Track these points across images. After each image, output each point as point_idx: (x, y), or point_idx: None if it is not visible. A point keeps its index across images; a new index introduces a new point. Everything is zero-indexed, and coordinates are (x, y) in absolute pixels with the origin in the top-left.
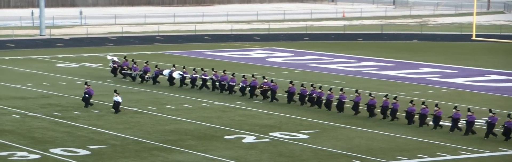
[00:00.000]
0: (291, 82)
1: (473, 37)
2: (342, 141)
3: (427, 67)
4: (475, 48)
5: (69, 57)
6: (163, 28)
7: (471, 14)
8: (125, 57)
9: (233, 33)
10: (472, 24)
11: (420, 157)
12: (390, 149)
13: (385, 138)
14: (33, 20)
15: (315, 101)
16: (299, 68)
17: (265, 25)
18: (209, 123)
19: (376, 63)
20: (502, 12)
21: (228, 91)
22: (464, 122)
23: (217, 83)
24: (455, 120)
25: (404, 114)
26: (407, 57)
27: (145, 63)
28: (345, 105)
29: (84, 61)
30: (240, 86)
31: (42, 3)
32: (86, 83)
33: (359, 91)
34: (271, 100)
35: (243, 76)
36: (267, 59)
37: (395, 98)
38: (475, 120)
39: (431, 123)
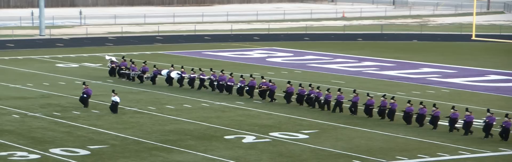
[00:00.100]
0: (289, 82)
1: (473, 37)
2: (342, 141)
3: (427, 67)
4: (475, 48)
5: (69, 57)
6: (163, 28)
7: (471, 14)
8: (123, 57)
9: (233, 33)
10: (472, 24)
11: (420, 157)
12: (390, 149)
13: (385, 138)
14: (33, 20)
15: (313, 101)
16: (299, 68)
17: (265, 25)
18: (209, 123)
19: (376, 63)
20: (502, 12)
21: (227, 91)
22: (462, 122)
23: (215, 83)
24: (453, 120)
25: (402, 114)
26: (407, 57)
27: (144, 63)
28: (343, 105)
29: (84, 61)
30: (238, 86)
31: (42, 3)
32: (84, 83)
33: (357, 91)
34: (271, 100)
35: (241, 76)
36: (267, 59)
37: (392, 98)
38: (474, 120)
39: (427, 123)
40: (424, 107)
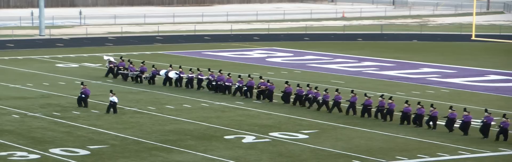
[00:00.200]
0: (286, 82)
1: (473, 37)
2: (342, 141)
3: (426, 67)
4: (475, 48)
5: (69, 57)
6: (162, 28)
7: (470, 14)
8: (121, 57)
9: (233, 33)
10: (471, 24)
11: (419, 157)
12: (390, 149)
13: (384, 138)
14: (32, 20)
15: (311, 102)
16: (299, 68)
17: (264, 25)
18: (208, 123)
19: (376, 63)
20: (501, 12)
21: (226, 92)
22: (460, 122)
23: (213, 83)
24: (451, 120)
25: (401, 115)
26: (406, 57)
27: (142, 63)
28: (341, 105)
29: (84, 61)
30: (237, 86)
31: (42, 3)
32: (82, 83)
33: (355, 91)
34: (270, 100)
35: (239, 76)
36: (266, 59)
37: (390, 98)
38: (471, 120)
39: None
40: (422, 107)
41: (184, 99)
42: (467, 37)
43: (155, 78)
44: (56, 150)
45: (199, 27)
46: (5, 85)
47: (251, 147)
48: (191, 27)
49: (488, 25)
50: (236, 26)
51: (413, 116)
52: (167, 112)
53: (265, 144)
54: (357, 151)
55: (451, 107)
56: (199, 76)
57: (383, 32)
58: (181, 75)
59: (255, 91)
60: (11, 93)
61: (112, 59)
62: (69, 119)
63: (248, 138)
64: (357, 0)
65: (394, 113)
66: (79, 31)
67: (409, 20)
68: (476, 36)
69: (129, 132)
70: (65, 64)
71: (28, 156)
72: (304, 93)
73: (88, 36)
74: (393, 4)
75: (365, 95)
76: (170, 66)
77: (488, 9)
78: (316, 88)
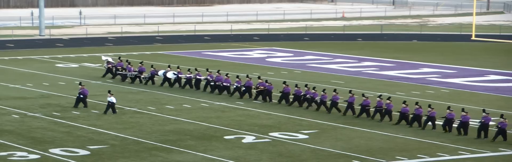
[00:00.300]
0: (284, 82)
1: (473, 37)
2: (342, 141)
3: (426, 67)
4: (475, 48)
5: (69, 57)
6: (162, 28)
7: (470, 14)
8: (119, 58)
9: (233, 33)
10: (471, 24)
11: (419, 157)
12: (390, 149)
13: (384, 138)
14: (32, 20)
15: (309, 102)
16: (299, 68)
17: (264, 25)
18: (208, 123)
19: (376, 63)
20: (501, 12)
21: (226, 92)
22: (458, 122)
23: (212, 83)
24: (449, 121)
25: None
26: (406, 57)
27: (140, 63)
28: (339, 105)
29: (83, 61)
30: (235, 86)
31: (42, 3)
32: (80, 84)
33: (354, 91)
34: (270, 100)
35: (237, 77)
36: (266, 59)
37: (388, 98)
38: (470, 120)
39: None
40: (420, 107)
41: (184, 99)
42: (467, 37)
43: (155, 78)
44: (56, 150)
45: (199, 27)
46: (5, 85)
47: (251, 147)
48: (191, 27)
49: (488, 25)
50: (236, 26)
51: (411, 116)
52: (167, 112)
53: (265, 144)
54: (357, 151)
55: (449, 108)
56: (197, 76)
57: (383, 32)
58: (179, 75)
59: (253, 91)
60: (11, 93)
61: (110, 59)
62: (69, 119)
63: (248, 138)
64: (357, 0)
65: (393, 113)
66: (79, 31)
67: (409, 20)
68: (476, 36)
69: (129, 132)
70: (65, 64)
71: (28, 156)
72: (302, 94)
73: (88, 36)
74: (393, 4)
75: (363, 95)
76: (169, 66)
77: (488, 9)
78: (314, 88)
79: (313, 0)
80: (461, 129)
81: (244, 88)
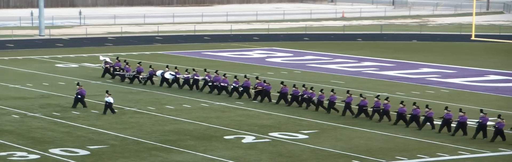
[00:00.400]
0: (282, 82)
1: (473, 37)
2: (342, 141)
3: (426, 67)
4: (475, 48)
5: (69, 57)
6: (162, 28)
7: (470, 14)
8: (117, 58)
9: (233, 33)
10: (471, 24)
11: (419, 157)
12: (390, 149)
13: (384, 138)
14: (32, 20)
15: (307, 102)
16: (299, 68)
17: (264, 25)
18: (208, 123)
19: (376, 63)
20: (501, 12)
21: (225, 92)
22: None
23: (210, 84)
24: (447, 121)
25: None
26: (406, 57)
27: (138, 63)
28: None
29: (83, 61)
30: (232, 86)
31: (42, 3)
32: (78, 84)
33: (352, 91)
34: (270, 100)
35: (235, 77)
36: (266, 59)
37: (386, 99)
38: (467, 121)
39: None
40: (417, 107)
41: (184, 99)
42: (467, 37)
43: (154, 78)
44: (56, 150)
45: (198, 27)
46: (4, 85)
47: (250, 147)
48: (190, 27)
49: (488, 25)
50: (235, 26)
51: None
52: (167, 112)
53: (265, 144)
54: (357, 151)
55: (446, 108)
56: (195, 77)
57: (383, 32)
58: (177, 75)
59: (252, 91)
60: (11, 93)
61: (108, 59)
62: (68, 119)
63: (248, 138)
64: (357, 0)
65: (390, 113)
66: (78, 31)
67: (408, 20)
68: (476, 36)
69: (129, 132)
70: (64, 64)
71: (27, 156)
72: (299, 94)
73: (88, 36)
74: (393, 4)
75: (361, 95)
76: (167, 66)
77: (487, 9)
78: (311, 88)
79: (313, 0)
80: (453, 128)
81: (241, 88)
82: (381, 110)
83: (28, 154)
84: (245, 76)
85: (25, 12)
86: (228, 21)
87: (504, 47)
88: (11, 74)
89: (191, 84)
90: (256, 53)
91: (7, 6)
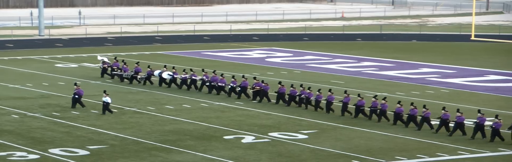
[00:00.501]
0: (280, 82)
1: (472, 37)
2: (341, 141)
3: (426, 67)
4: (474, 48)
5: (68, 57)
6: (162, 28)
7: (470, 14)
8: (115, 58)
9: (232, 33)
10: (471, 24)
11: (419, 157)
12: (389, 149)
13: (384, 138)
14: (32, 20)
15: (305, 102)
16: (298, 68)
17: (264, 25)
18: (208, 123)
19: (375, 63)
20: (501, 12)
21: (223, 92)
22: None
23: (207, 84)
24: (444, 121)
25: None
26: (406, 57)
27: (136, 63)
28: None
29: (83, 61)
30: (230, 87)
31: (41, 3)
32: (75, 84)
33: (349, 91)
34: (269, 100)
35: (233, 77)
36: (266, 59)
37: (384, 98)
38: (465, 121)
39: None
40: (415, 107)
41: (183, 99)
42: (467, 37)
43: (152, 78)
44: (56, 150)
45: (198, 27)
46: (4, 85)
47: (250, 147)
48: (190, 27)
49: (488, 25)
50: (235, 26)
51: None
52: (166, 112)
53: (265, 144)
54: (356, 151)
55: (444, 108)
56: (193, 77)
57: (383, 32)
58: (175, 76)
59: (250, 91)
60: (11, 93)
61: (106, 59)
62: (68, 119)
63: (248, 138)
64: (357, 0)
65: (388, 113)
66: (78, 31)
67: (408, 20)
68: (476, 36)
69: (128, 132)
70: (64, 64)
71: (27, 156)
72: (297, 94)
73: (88, 36)
74: (393, 4)
75: (359, 95)
76: (164, 66)
77: (487, 9)
78: (309, 88)
79: (313, 0)
80: (451, 128)
81: (239, 89)
82: (377, 110)
83: (28, 154)
84: (243, 76)
85: (24, 12)
86: (228, 21)
87: (504, 47)
88: (10, 74)
89: (189, 84)
90: (255, 53)
91: (7, 6)
